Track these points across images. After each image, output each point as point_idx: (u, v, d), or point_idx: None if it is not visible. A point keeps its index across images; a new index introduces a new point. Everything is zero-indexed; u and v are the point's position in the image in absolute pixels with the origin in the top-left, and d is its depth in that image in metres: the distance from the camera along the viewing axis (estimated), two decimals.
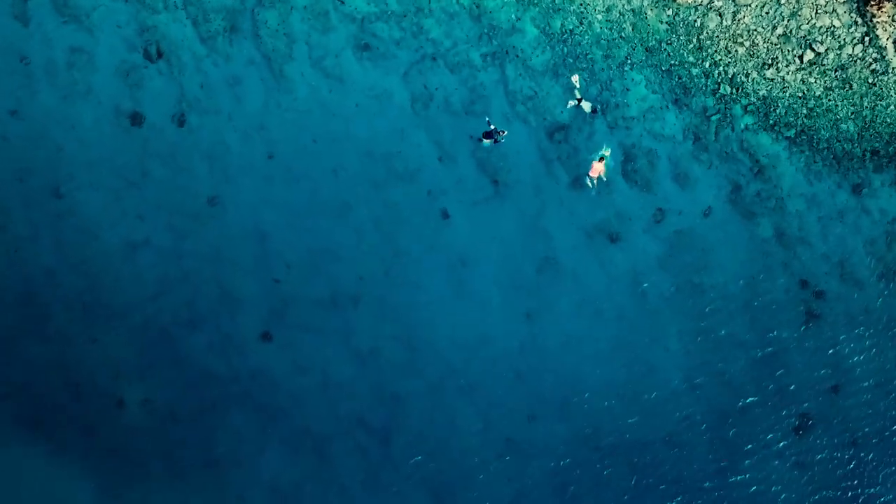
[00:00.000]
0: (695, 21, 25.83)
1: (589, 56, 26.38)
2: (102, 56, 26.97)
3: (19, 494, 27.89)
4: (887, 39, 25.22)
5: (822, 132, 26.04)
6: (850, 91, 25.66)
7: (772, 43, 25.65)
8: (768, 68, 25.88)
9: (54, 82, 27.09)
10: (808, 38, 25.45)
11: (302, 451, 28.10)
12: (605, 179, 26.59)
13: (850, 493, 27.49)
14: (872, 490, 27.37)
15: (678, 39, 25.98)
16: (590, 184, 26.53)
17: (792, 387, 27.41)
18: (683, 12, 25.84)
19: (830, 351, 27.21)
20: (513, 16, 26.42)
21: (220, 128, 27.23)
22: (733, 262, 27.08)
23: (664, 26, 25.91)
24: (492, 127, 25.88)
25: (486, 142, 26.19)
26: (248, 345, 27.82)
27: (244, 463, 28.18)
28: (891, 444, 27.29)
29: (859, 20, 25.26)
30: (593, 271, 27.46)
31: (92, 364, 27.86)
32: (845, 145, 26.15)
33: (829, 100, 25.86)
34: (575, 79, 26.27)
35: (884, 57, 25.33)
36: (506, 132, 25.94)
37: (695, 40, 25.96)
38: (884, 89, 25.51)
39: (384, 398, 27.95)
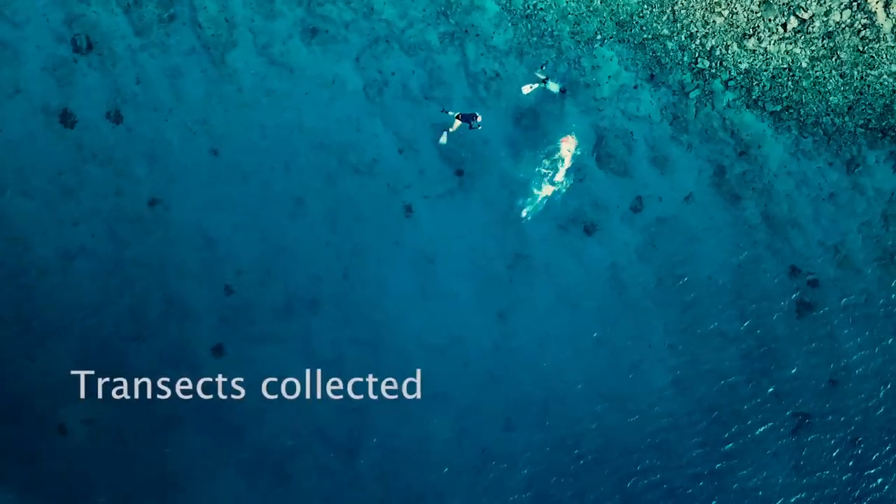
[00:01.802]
0: None
1: (555, 32, 26.12)
2: (27, 49, 26.33)
3: None
4: (877, 3, 24.89)
5: (810, 106, 25.91)
6: (838, 61, 25.47)
7: (752, 11, 25.37)
8: (749, 39, 25.59)
9: None
10: (792, 4, 25.19)
11: (261, 471, 27.77)
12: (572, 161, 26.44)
13: (848, 489, 27.30)
14: (874, 484, 27.23)
15: (651, 11, 25.71)
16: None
17: (786, 380, 27.23)
18: None
19: (826, 342, 27.07)
20: None
21: (160, 124, 26.71)
22: (719, 250, 26.86)
23: None
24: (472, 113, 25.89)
25: (449, 134, 25.88)
26: (199, 358, 27.35)
27: (198, 487, 27.76)
28: (891, 435, 27.17)
29: None
30: (569, 265, 27.13)
31: (29, 384, 27.28)
32: (835, 120, 25.99)
33: (817, 71, 25.64)
34: (543, 67, 26.14)
35: (874, 22, 25.02)
36: (480, 117, 25.75)
37: (669, 11, 25.65)
38: (875, 57, 25.28)
39: (347, 410, 27.45)
